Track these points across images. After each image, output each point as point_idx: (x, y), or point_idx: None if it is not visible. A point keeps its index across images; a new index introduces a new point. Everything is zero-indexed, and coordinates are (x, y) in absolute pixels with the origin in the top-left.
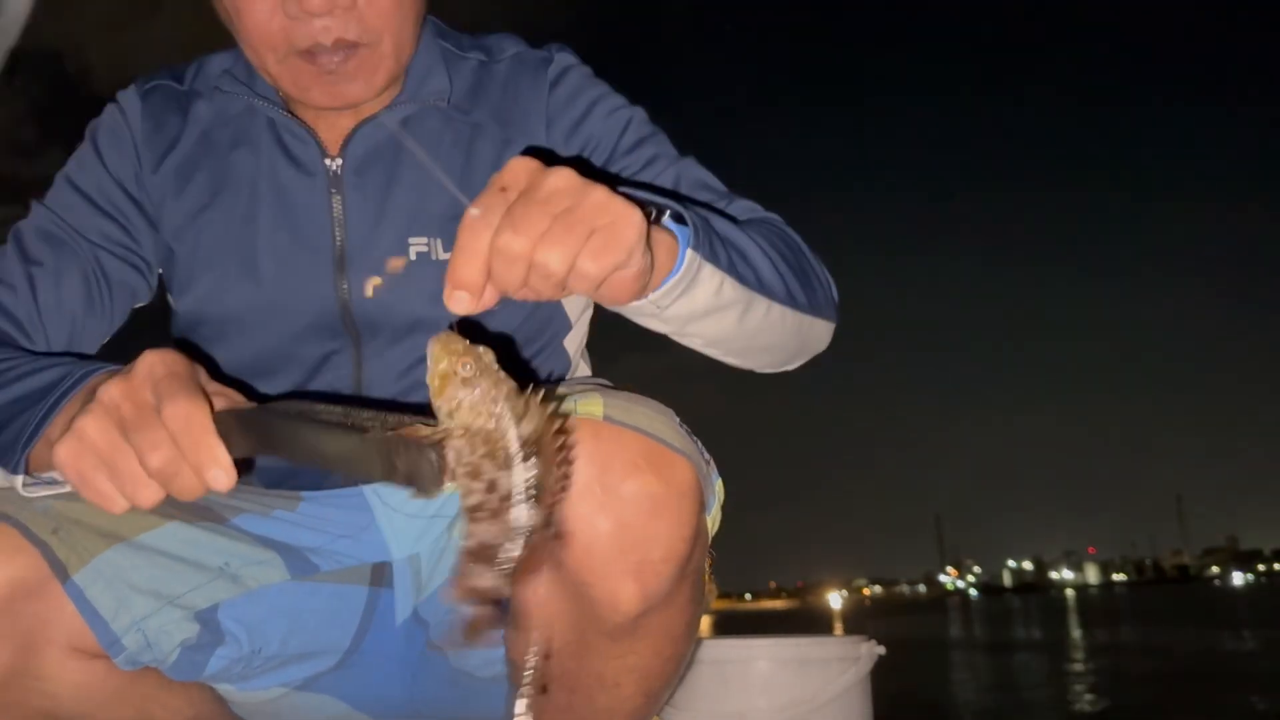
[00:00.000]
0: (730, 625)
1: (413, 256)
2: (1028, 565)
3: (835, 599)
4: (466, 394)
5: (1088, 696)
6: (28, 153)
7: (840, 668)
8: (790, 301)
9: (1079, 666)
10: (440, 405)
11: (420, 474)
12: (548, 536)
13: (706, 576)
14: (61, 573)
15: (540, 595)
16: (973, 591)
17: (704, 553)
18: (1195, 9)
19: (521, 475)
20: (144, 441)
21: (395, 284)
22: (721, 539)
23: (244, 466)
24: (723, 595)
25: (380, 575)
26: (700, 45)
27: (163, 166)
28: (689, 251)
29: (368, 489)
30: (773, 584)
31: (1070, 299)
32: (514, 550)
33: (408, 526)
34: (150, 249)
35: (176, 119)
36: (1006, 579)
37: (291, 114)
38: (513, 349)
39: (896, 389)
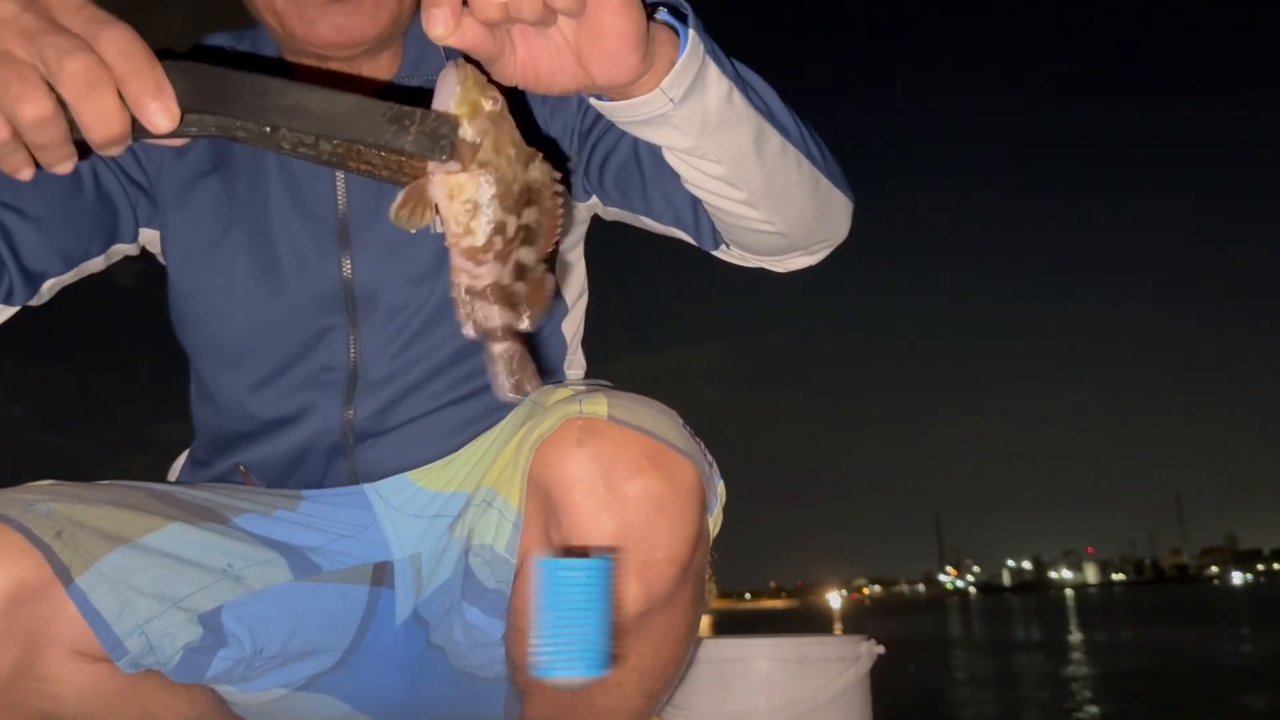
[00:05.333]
0: (730, 625)
1: (412, 230)
2: (1027, 565)
3: (835, 599)
4: (492, 128)
5: (1087, 696)
6: None
7: (840, 667)
8: (804, 148)
9: (1078, 666)
10: (465, 133)
11: (439, 136)
12: (544, 274)
13: (708, 577)
14: (65, 576)
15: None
16: (972, 591)
17: (706, 553)
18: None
19: (531, 217)
20: (54, 46)
21: (396, 256)
22: (722, 538)
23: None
24: (723, 595)
25: (381, 575)
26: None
27: None
28: (692, 34)
29: (369, 488)
30: (772, 584)
31: (1070, 298)
32: (519, 287)
33: (409, 526)
34: (144, 205)
35: None
36: (1006, 579)
37: None
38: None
39: (896, 388)
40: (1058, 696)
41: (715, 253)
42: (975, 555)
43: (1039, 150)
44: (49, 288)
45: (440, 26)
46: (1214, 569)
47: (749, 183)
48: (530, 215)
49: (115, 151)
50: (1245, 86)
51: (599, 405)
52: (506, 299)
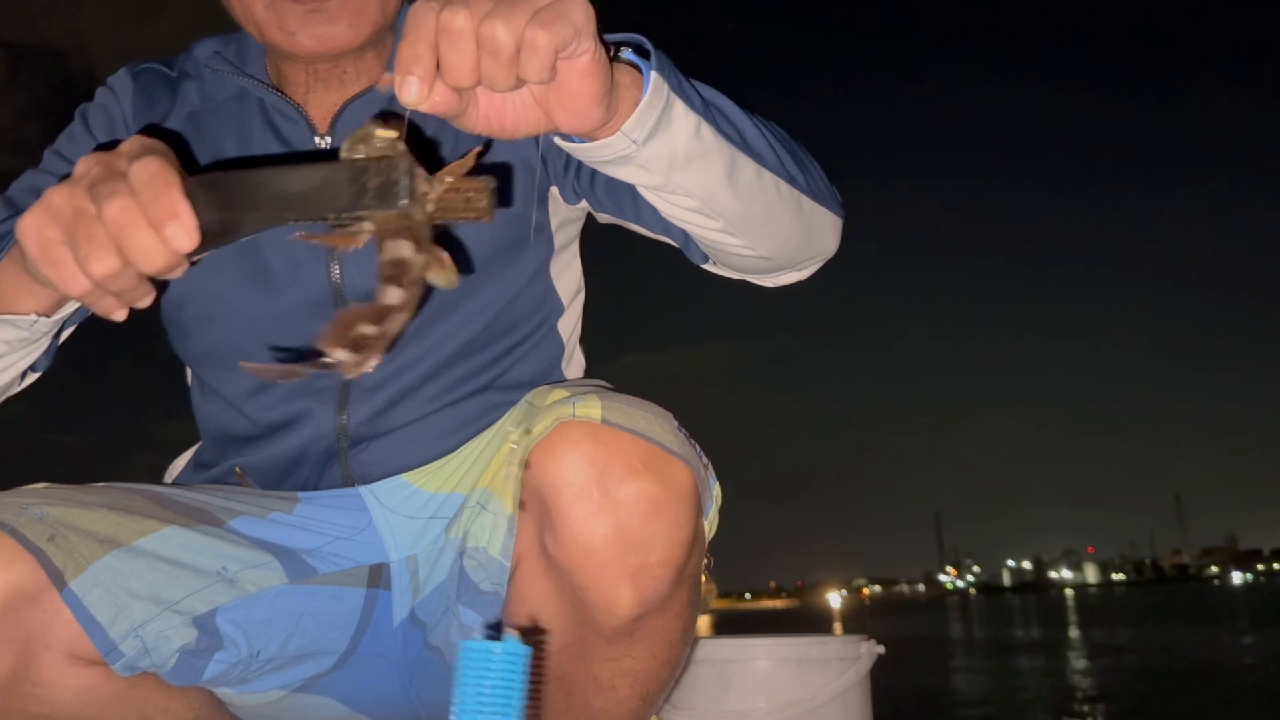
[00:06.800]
0: (730, 624)
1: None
2: (1027, 565)
3: (835, 598)
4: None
5: (1087, 696)
6: (30, 151)
7: (840, 667)
8: (782, 172)
9: (1078, 666)
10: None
11: (395, 184)
12: (401, 317)
13: (704, 579)
14: (59, 580)
15: (538, 597)
16: (972, 591)
17: (701, 557)
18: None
19: (390, 254)
20: (102, 192)
21: None
22: (722, 538)
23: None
24: (723, 595)
25: (378, 577)
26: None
27: None
28: (654, 75)
29: (365, 490)
30: (773, 583)
31: (1070, 298)
32: (369, 330)
33: (405, 528)
34: None
35: (166, 99)
36: (1006, 579)
37: (281, 93)
38: (422, 136)
39: (897, 388)
40: (1058, 696)
41: (704, 266)
42: (975, 555)
43: (1039, 149)
44: (63, 338)
45: (413, 95)
46: (1214, 569)
47: (724, 213)
48: (399, 250)
49: (176, 275)
50: (1249, 86)
51: (593, 408)
52: (351, 341)
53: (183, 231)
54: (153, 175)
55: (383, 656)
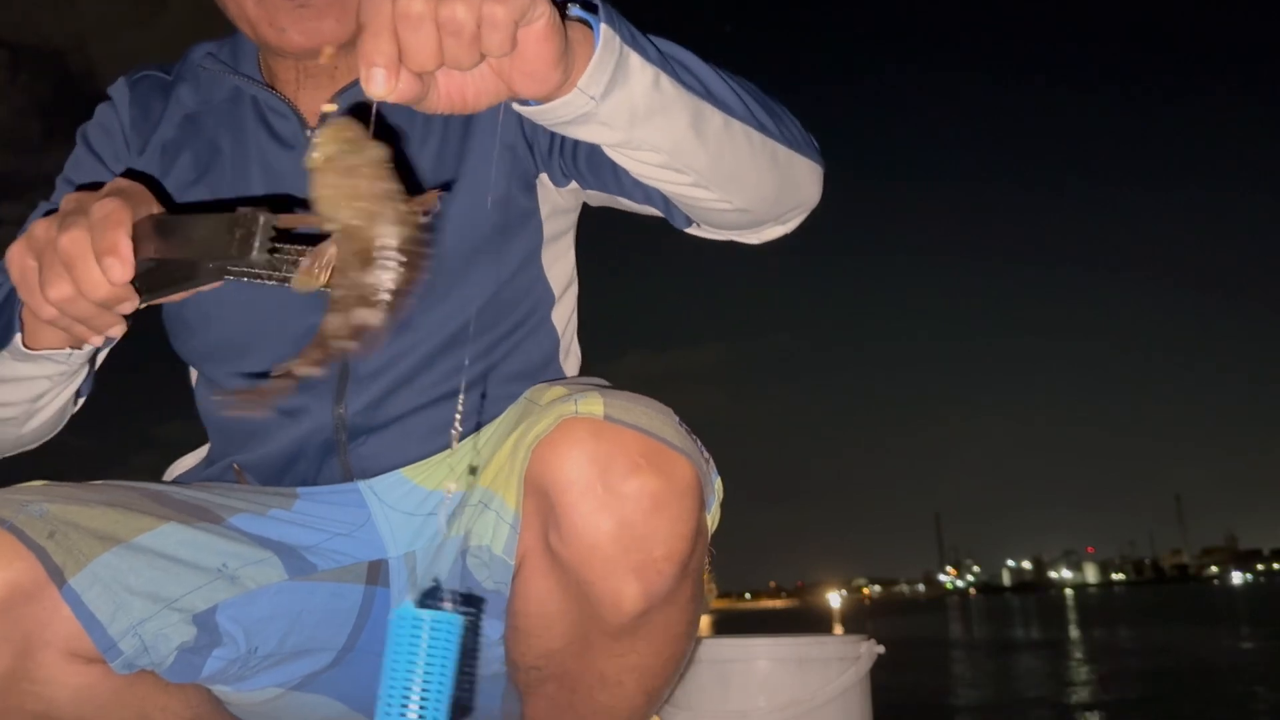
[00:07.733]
0: (730, 624)
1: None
2: (1027, 565)
3: (835, 598)
4: (343, 183)
5: (1087, 695)
6: (31, 150)
7: (840, 667)
8: (753, 121)
9: (1078, 666)
10: (314, 191)
11: (251, 236)
12: (377, 339)
13: (706, 575)
14: (58, 577)
15: (542, 594)
16: (972, 591)
17: (704, 551)
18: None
19: (378, 280)
20: (65, 225)
21: None
22: (722, 538)
23: (158, 279)
24: (723, 594)
25: (376, 573)
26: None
27: (148, 148)
28: (604, 28)
29: (364, 485)
30: (772, 583)
31: (1071, 298)
32: (348, 346)
33: (404, 524)
34: None
35: (160, 103)
36: (1006, 578)
37: (273, 90)
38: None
39: (896, 388)
40: (1058, 696)
41: (688, 230)
42: (975, 555)
43: (1038, 150)
44: (99, 363)
45: (381, 87)
46: (1214, 569)
47: (694, 166)
48: (379, 278)
49: (126, 310)
50: (1249, 87)
51: (595, 404)
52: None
53: (118, 264)
54: (106, 214)
55: (380, 654)
